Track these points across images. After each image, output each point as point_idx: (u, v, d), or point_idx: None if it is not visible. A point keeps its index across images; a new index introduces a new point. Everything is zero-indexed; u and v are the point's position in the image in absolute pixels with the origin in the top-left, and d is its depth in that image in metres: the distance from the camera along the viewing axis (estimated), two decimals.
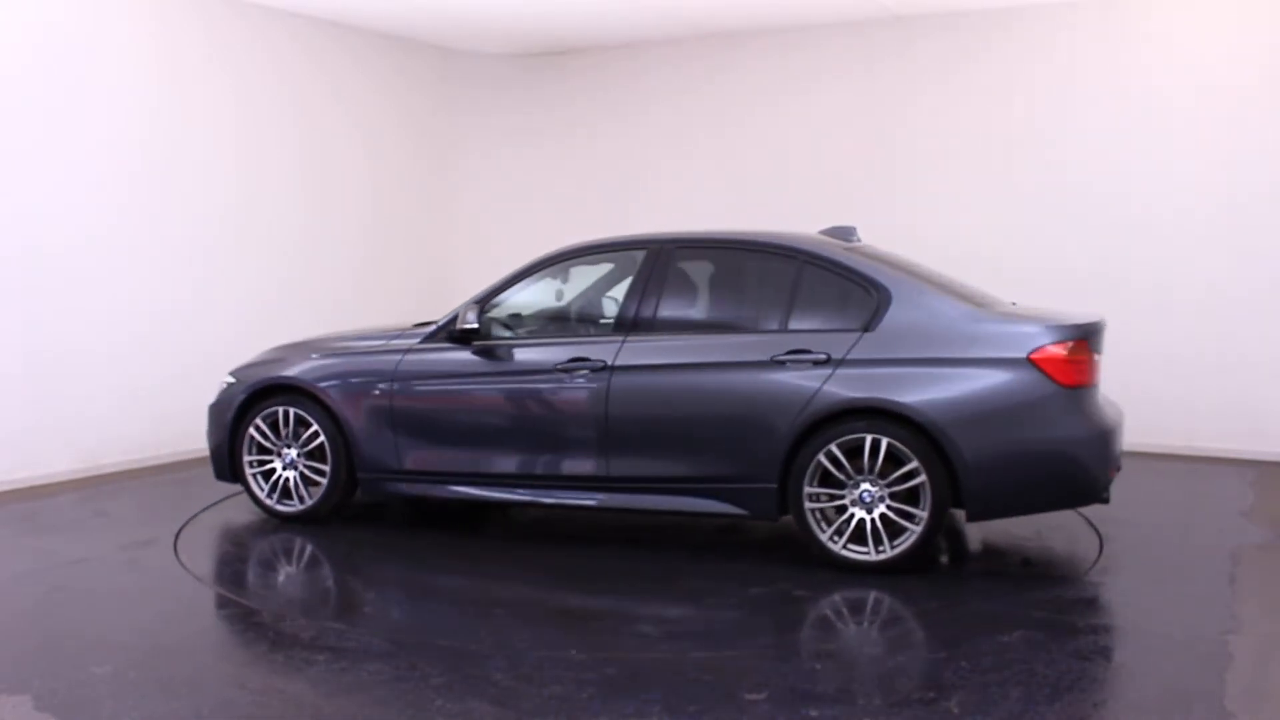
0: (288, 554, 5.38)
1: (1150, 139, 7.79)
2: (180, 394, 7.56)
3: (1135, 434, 7.81)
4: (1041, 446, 4.72)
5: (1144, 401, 7.84)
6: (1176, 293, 7.74)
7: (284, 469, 5.84)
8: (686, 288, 5.42)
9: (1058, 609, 4.39)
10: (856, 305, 4.97)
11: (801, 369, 4.87)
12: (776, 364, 4.91)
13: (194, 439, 7.65)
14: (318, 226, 8.63)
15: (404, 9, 8.34)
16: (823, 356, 4.86)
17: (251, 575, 4.92)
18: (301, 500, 5.79)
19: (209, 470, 7.21)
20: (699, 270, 5.47)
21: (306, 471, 5.80)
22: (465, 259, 9.65)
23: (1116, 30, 7.88)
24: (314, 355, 5.94)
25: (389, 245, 9.31)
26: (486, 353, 5.50)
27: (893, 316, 4.89)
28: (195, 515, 5.98)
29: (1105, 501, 4.91)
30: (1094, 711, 3.37)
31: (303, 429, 5.78)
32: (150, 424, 7.38)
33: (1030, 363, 4.67)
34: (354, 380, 5.71)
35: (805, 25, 8.82)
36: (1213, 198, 7.62)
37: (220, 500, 6.35)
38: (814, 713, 3.36)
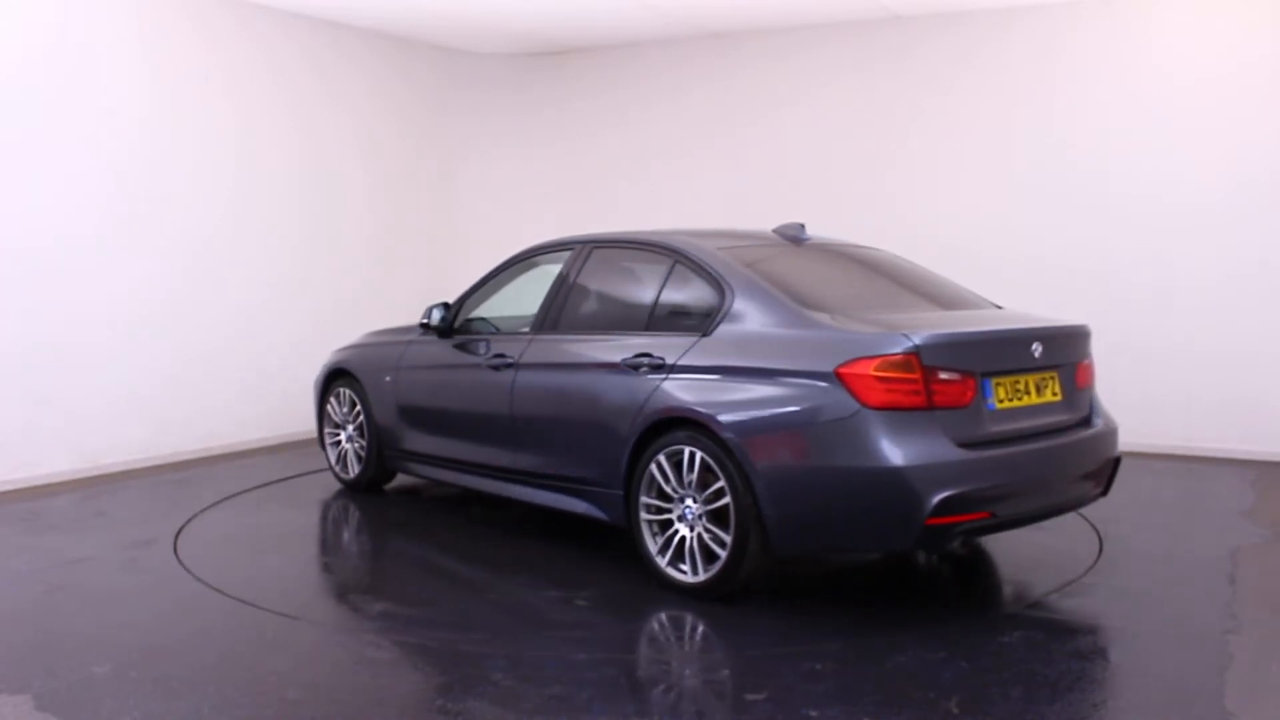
0: (288, 554, 5.37)
1: (1150, 139, 7.79)
2: (180, 394, 7.57)
3: (1136, 434, 7.85)
4: (838, 476, 4.06)
5: (1144, 401, 7.85)
6: (1177, 292, 7.74)
7: (345, 443, 6.63)
8: (589, 288, 5.41)
9: (1058, 609, 4.39)
10: (706, 307, 4.70)
11: (643, 374, 4.69)
12: (629, 367, 4.77)
13: (194, 439, 7.68)
14: (317, 226, 8.63)
15: (403, 9, 8.34)
16: (660, 361, 4.65)
17: (251, 575, 4.91)
18: (351, 471, 6.59)
19: (209, 470, 7.25)
20: (601, 270, 5.40)
21: (356, 447, 6.54)
22: (465, 258, 9.63)
23: (1117, 30, 7.88)
24: (365, 343, 6.63)
25: (389, 245, 9.31)
26: (461, 346, 5.84)
27: (728, 320, 4.55)
28: (195, 515, 5.98)
29: (925, 550, 4.30)
30: (1094, 711, 3.37)
31: (353, 409, 6.53)
32: (150, 424, 7.38)
33: (836, 377, 4.08)
34: (373, 368, 6.39)
35: (804, 25, 8.82)
36: (1214, 198, 7.62)
37: (220, 500, 6.35)
38: (814, 713, 3.36)
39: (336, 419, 6.63)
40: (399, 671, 3.71)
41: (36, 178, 6.73)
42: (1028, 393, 4.42)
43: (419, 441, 6.07)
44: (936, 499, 3.94)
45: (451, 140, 9.93)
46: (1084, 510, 6.00)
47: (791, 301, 4.46)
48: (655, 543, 4.59)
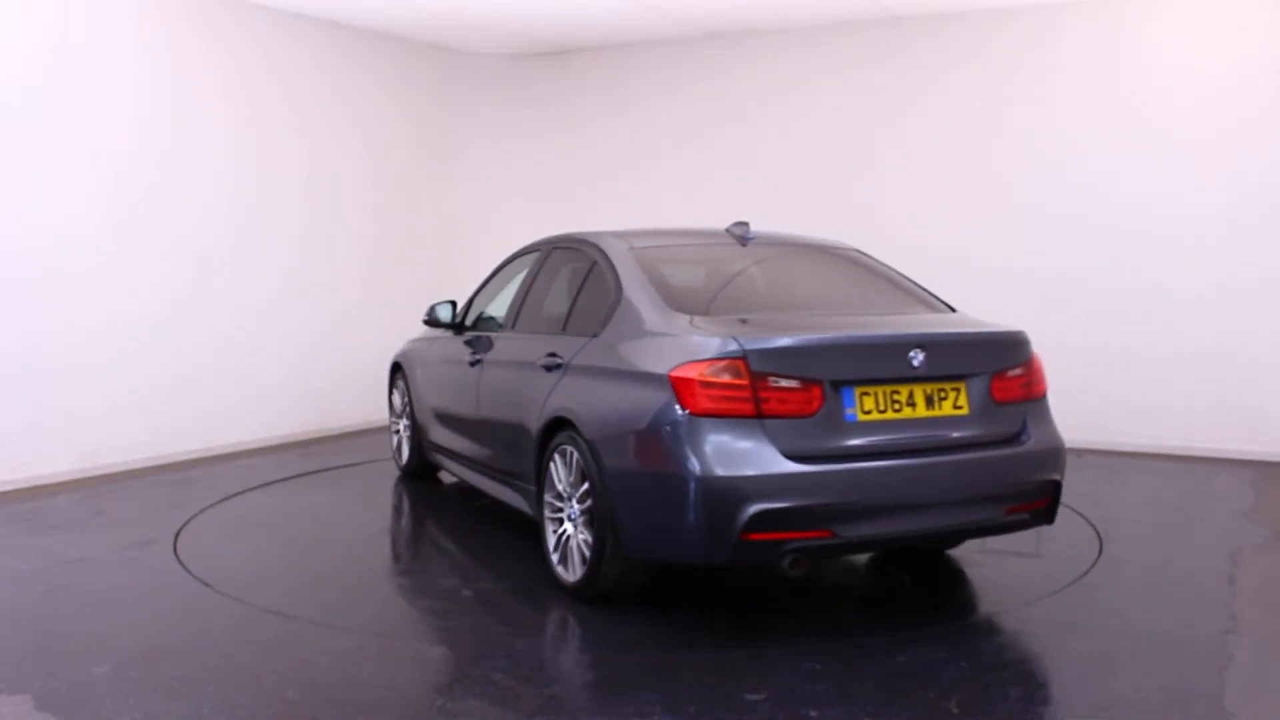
0: (288, 554, 5.37)
1: (1149, 140, 7.79)
2: (180, 394, 7.57)
3: (1137, 434, 7.86)
4: (665, 483, 3.93)
5: (1144, 401, 7.86)
6: (1176, 293, 7.74)
7: (401, 432, 7.04)
8: (540, 287, 5.52)
9: (1058, 609, 4.39)
10: (606, 307, 4.66)
11: (551, 373, 4.75)
12: (543, 367, 4.82)
13: (194, 439, 7.67)
14: (318, 226, 8.63)
15: (404, 9, 8.35)
16: (560, 361, 4.70)
17: (251, 575, 4.91)
18: (403, 459, 7.00)
19: (209, 470, 7.25)
20: (551, 270, 5.50)
21: (407, 437, 6.93)
22: (468, 256, 9.63)
23: (1116, 30, 7.89)
24: (416, 338, 7.01)
25: (391, 244, 9.31)
26: (467, 343, 5.95)
27: (614, 320, 4.52)
28: (195, 515, 5.98)
29: (729, 564, 3.95)
30: (1094, 711, 3.37)
31: (405, 401, 6.95)
32: (150, 424, 7.38)
33: (668, 381, 3.97)
34: (413, 362, 6.82)
35: (803, 25, 8.82)
36: (1213, 197, 7.62)
37: (220, 500, 6.35)
38: (814, 713, 3.36)
39: (396, 409, 7.11)
40: (399, 671, 3.71)
41: (37, 178, 6.73)
42: (912, 404, 4.08)
43: (436, 434, 6.37)
44: (749, 513, 3.77)
45: (453, 139, 9.93)
46: (1084, 510, 6.01)
47: (661, 303, 4.40)
48: (552, 540, 4.62)
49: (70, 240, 6.91)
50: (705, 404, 3.87)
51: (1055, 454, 4.37)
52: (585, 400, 4.40)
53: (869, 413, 4.00)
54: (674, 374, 3.95)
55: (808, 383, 3.91)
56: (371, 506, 6.50)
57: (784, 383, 3.89)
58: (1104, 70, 7.92)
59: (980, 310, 8.23)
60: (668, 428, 3.92)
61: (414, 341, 7.02)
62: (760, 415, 3.87)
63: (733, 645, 4.02)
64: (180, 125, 7.57)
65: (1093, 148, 7.96)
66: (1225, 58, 7.56)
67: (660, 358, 4.09)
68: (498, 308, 6.08)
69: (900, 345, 4.08)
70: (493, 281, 6.23)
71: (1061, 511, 5.98)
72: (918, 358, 4.06)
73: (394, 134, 9.36)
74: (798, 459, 3.85)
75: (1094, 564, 5.02)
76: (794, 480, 3.82)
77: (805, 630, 4.21)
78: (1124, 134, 7.86)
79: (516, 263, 6.00)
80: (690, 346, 4.01)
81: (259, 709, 3.41)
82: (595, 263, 4.92)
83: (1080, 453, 7.84)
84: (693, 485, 3.82)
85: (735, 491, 3.79)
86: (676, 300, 4.45)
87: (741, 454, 3.83)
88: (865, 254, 5.37)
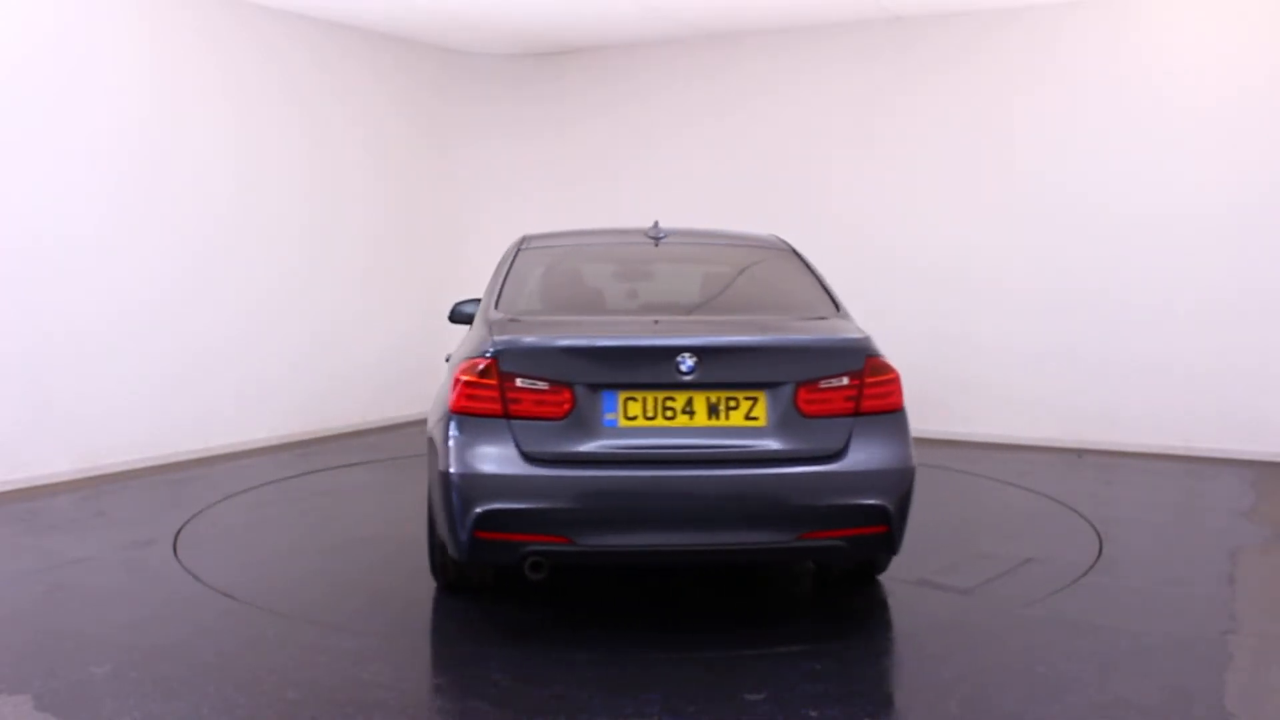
0: (287, 554, 5.37)
1: (1150, 141, 7.79)
2: (180, 394, 7.56)
3: (1137, 434, 7.86)
4: (432, 479, 4.10)
5: (1144, 401, 7.86)
6: (1176, 293, 7.74)
7: None
8: (493, 286, 5.51)
9: (1057, 609, 4.39)
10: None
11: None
12: (446, 360, 4.83)
13: (194, 439, 7.67)
14: (319, 226, 8.63)
15: (404, 10, 8.34)
16: (447, 356, 4.75)
17: (251, 575, 4.91)
18: None
19: (209, 470, 7.25)
20: (501, 269, 5.51)
21: None
22: (467, 255, 9.63)
23: (1116, 31, 7.88)
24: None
25: (391, 243, 9.31)
26: None
27: (475, 318, 4.63)
28: (195, 515, 5.98)
29: (469, 561, 3.96)
30: (1094, 711, 3.37)
31: None
32: (150, 424, 7.37)
33: (453, 379, 4.03)
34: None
35: (802, 25, 8.82)
36: (1214, 198, 7.62)
37: (220, 500, 6.35)
38: (814, 713, 3.36)
39: None
40: (399, 671, 3.71)
41: (38, 178, 6.73)
42: (689, 412, 3.86)
43: None
44: (477, 511, 3.77)
45: (453, 138, 9.93)
46: (1084, 510, 6.01)
47: (491, 302, 4.47)
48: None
49: (70, 240, 6.90)
50: (463, 402, 3.91)
51: (882, 477, 3.90)
52: (434, 397, 4.49)
53: (633, 418, 3.85)
54: (456, 373, 4.02)
55: (557, 385, 3.84)
56: (372, 506, 6.49)
57: (531, 385, 3.85)
58: (1104, 71, 7.92)
59: (975, 309, 8.29)
60: (440, 425, 4.01)
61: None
62: (507, 415, 3.84)
63: (733, 645, 4.02)
64: (180, 125, 7.57)
65: (1092, 150, 7.95)
66: (1226, 58, 7.56)
67: (457, 357, 4.22)
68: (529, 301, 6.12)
69: (666, 350, 3.86)
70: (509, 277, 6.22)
71: (1062, 511, 6.05)
72: (685, 363, 3.83)
73: (394, 134, 9.36)
74: (540, 461, 3.79)
75: (1094, 564, 5.02)
76: (528, 482, 3.77)
77: (805, 630, 4.21)
78: (1124, 135, 7.85)
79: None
80: (473, 346, 4.08)
81: (259, 709, 3.41)
82: (510, 266, 4.97)
83: (1080, 453, 7.85)
84: (440, 481, 3.90)
85: (467, 489, 3.80)
86: (516, 300, 4.49)
87: (481, 453, 3.82)
88: (791, 252, 5.04)
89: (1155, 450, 7.77)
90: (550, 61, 9.99)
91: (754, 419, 3.87)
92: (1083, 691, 3.52)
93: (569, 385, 3.83)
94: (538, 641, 4.03)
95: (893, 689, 3.55)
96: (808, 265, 4.91)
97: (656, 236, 4.95)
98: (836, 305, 4.54)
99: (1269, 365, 7.48)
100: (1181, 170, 7.70)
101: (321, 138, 8.64)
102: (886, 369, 4.02)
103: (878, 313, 8.44)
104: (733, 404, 3.88)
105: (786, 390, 3.88)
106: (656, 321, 4.28)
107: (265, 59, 8.17)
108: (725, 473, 3.82)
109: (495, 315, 4.32)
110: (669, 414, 3.86)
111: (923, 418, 8.47)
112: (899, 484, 3.92)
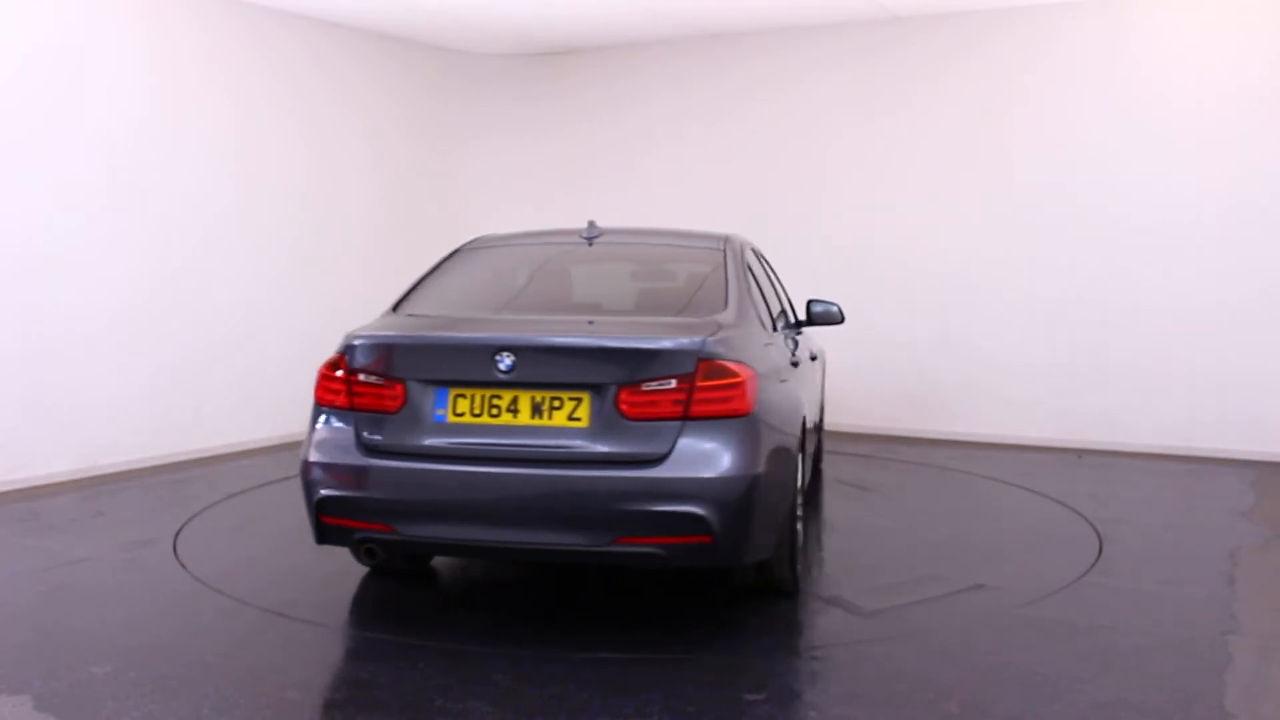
0: (287, 554, 5.37)
1: (1149, 141, 7.80)
2: (180, 394, 7.57)
3: (1137, 434, 7.86)
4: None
5: (1144, 402, 7.86)
6: (1177, 292, 7.75)
7: None
8: None
9: (1057, 609, 4.39)
10: None
11: None
12: None
13: (194, 439, 7.67)
14: (319, 224, 8.63)
15: (404, 9, 8.34)
16: None
17: (251, 575, 4.91)
18: None
19: (209, 470, 7.25)
20: None
21: None
22: None
23: (1116, 31, 7.89)
24: None
25: (390, 242, 9.30)
26: None
27: None
28: (195, 515, 5.98)
29: (320, 543, 4.16)
30: (1094, 711, 3.37)
31: None
32: (150, 424, 7.37)
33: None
34: None
35: (802, 26, 8.83)
36: (1214, 198, 7.62)
37: (220, 500, 6.35)
38: (814, 713, 3.36)
39: None
40: (399, 671, 3.71)
41: (37, 177, 6.73)
42: (513, 411, 3.88)
43: None
44: (317, 497, 4.02)
45: (453, 138, 9.93)
46: (1084, 510, 6.01)
47: (396, 300, 4.65)
48: None
49: (70, 240, 6.90)
50: (320, 394, 4.17)
51: (705, 485, 3.72)
52: None
53: (461, 415, 3.93)
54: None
55: (391, 380, 4.00)
56: None
57: (370, 379, 4.03)
58: (1103, 71, 7.92)
59: (974, 308, 8.29)
60: (311, 415, 4.23)
61: None
62: (353, 408, 4.05)
63: (733, 646, 4.02)
64: (179, 125, 7.57)
65: (1091, 151, 7.96)
66: (1226, 59, 7.57)
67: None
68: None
69: (485, 348, 3.90)
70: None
71: (1062, 511, 6.05)
72: (504, 362, 3.85)
73: (394, 133, 9.36)
74: (375, 453, 3.96)
75: (1094, 564, 5.02)
76: (360, 472, 3.96)
77: (805, 631, 4.21)
78: (1123, 136, 7.86)
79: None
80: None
81: (259, 709, 3.41)
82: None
83: (1080, 453, 7.85)
84: (300, 468, 4.13)
85: (313, 476, 4.04)
86: (425, 300, 4.61)
87: (327, 442, 4.06)
88: (723, 252, 4.81)
89: (1155, 450, 7.77)
90: (550, 61, 9.99)
91: (576, 420, 3.85)
92: (1083, 691, 3.52)
93: (401, 380, 3.99)
94: (538, 642, 4.03)
95: (892, 689, 3.55)
96: (728, 266, 4.66)
97: (590, 237, 4.96)
98: (726, 305, 4.33)
99: (1269, 365, 7.48)
100: (1181, 170, 7.70)
101: (320, 137, 8.64)
102: (726, 372, 3.84)
103: (877, 312, 8.48)
104: (557, 404, 3.88)
105: (610, 392, 3.83)
106: (527, 321, 4.31)
107: (265, 59, 8.16)
108: (540, 472, 3.81)
109: (386, 313, 4.49)
110: (494, 412, 3.91)
111: (923, 418, 8.59)
112: (725, 493, 3.73)
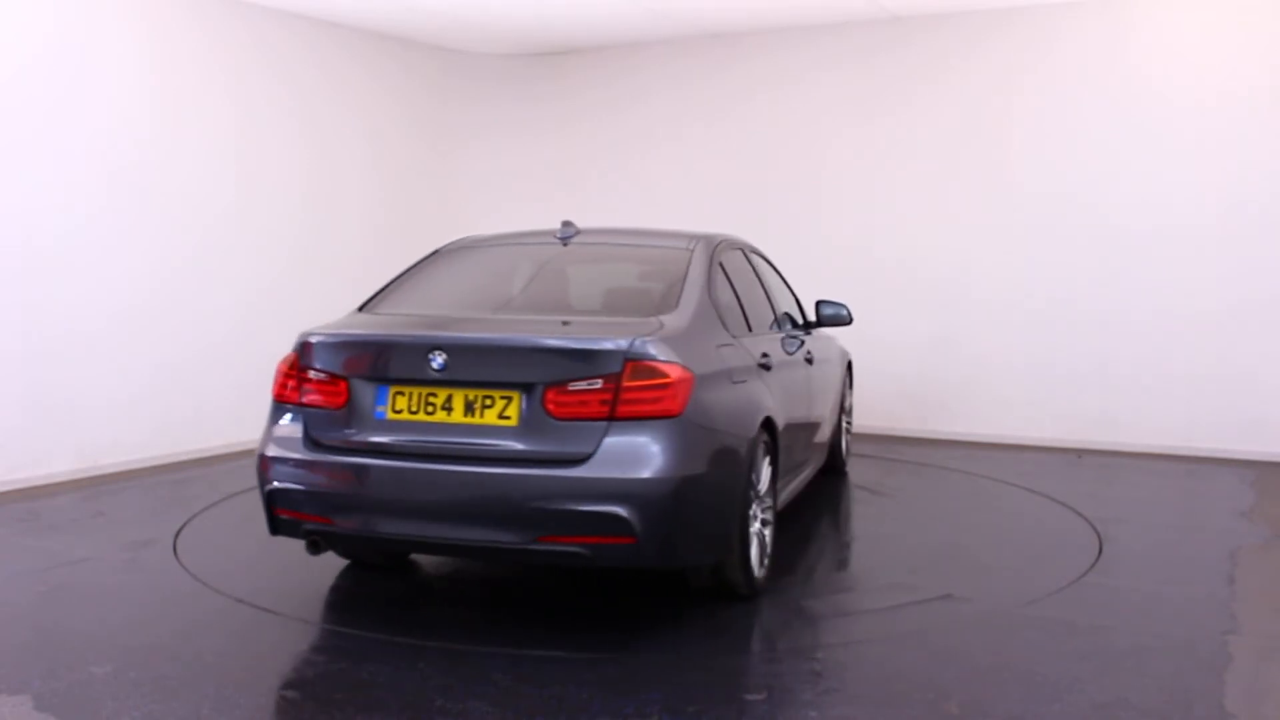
0: (287, 554, 5.36)
1: (1149, 142, 7.80)
2: (180, 394, 7.56)
3: (1137, 434, 7.86)
4: None
5: (1144, 402, 7.86)
6: (1177, 292, 7.75)
7: None
8: None
9: (1057, 609, 4.39)
10: None
11: None
12: None
13: (194, 439, 7.67)
14: (319, 224, 8.63)
15: (404, 9, 8.34)
16: None
17: (251, 575, 4.91)
18: None
19: (209, 470, 7.25)
20: None
21: None
22: None
23: (1116, 31, 7.89)
24: None
25: (391, 242, 9.29)
26: None
27: None
28: (194, 515, 5.98)
29: (274, 534, 4.28)
30: (1094, 711, 3.37)
31: None
32: (150, 424, 7.37)
33: None
34: None
35: (801, 26, 8.83)
36: (1214, 199, 7.62)
37: (219, 500, 6.35)
38: (814, 713, 3.36)
39: None
40: (399, 671, 3.70)
41: (37, 177, 6.73)
42: (448, 409, 3.93)
43: None
44: (267, 488, 4.17)
45: (453, 138, 9.93)
46: (1083, 510, 6.01)
47: (365, 300, 4.77)
48: None
49: (70, 240, 6.90)
50: (276, 391, 4.31)
51: (628, 485, 3.71)
52: None
53: (399, 412, 4.01)
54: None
55: (334, 377, 4.12)
56: None
57: (318, 376, 4.16)
58: (1103, 71, 7.92)
59: (974, 309, 8.29)
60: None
61: None
62: (301, 404, 4.18)
63: (733, 646, 4.02)
64: (179, 124, 7.57)
65: (1091, 151, 7.96)
66: (1226, 59, 7.57)
67: None
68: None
69: (419, 347, 3.97)
70: None
71: (1061, 511, 6.05)
72: (436, 360, 3.91)
73: (394, 133, 9.36)
74: (319, 447, 4.09)
75: (1094, 564, 5.02)
76: (302, 465, 4.08)
77: (805, 631, 4.21)
78: (1123, 136, 7.86)
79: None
80: None
81: (259, 709, 3.41)
82: None
83: (1079, 453, 7.85)
84: (256, 462, 4.26)
85: (264, 468, 4.18)
86: (392, 299, 4.71)
87: (278, 436, 4.20)
88: (689, 252, 4.75)
89: (1155, 450, 7.77)
90: (550, 61, 9.99)
91: (506, 418, 3.89)
92: (1083, 691, 3.52)
93: (344, 377, 4.10)
94: (538, 642, 4.03)
95: (892, 690, 3.55)
96: (690, 267, 4.62)
97: (564, 237, 5.00)
98: (678, 305, 4.32)
99: (1269, 366, 7.48)
100: (1181, 170, 7.70)
101: (320, 137, 8.64)
102: (655, 373, 3.81)
103: (877, 312, 8.48)
104: (489, 403, 3.92)
105: (538, 391, 3.86)
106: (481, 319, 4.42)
107: (265, 59, 8.16)
108: (466, 469, 3.86)
109: (352, 313, 4.60)
110: (430, 409, 3.97)
111: (923, 418, 8.59)
112: (649, 494, 3.71)
